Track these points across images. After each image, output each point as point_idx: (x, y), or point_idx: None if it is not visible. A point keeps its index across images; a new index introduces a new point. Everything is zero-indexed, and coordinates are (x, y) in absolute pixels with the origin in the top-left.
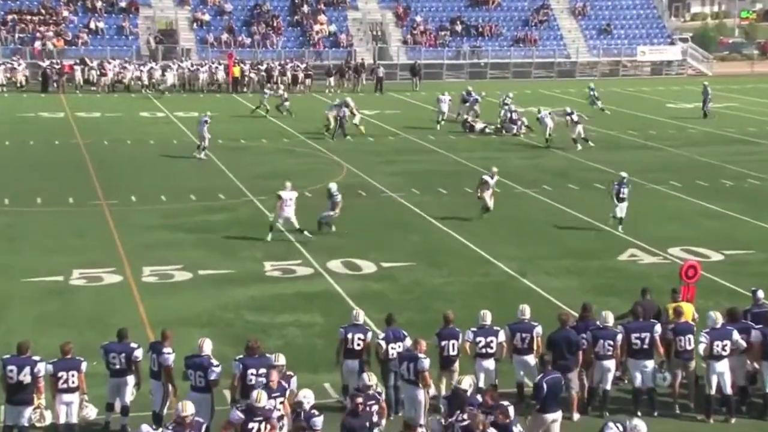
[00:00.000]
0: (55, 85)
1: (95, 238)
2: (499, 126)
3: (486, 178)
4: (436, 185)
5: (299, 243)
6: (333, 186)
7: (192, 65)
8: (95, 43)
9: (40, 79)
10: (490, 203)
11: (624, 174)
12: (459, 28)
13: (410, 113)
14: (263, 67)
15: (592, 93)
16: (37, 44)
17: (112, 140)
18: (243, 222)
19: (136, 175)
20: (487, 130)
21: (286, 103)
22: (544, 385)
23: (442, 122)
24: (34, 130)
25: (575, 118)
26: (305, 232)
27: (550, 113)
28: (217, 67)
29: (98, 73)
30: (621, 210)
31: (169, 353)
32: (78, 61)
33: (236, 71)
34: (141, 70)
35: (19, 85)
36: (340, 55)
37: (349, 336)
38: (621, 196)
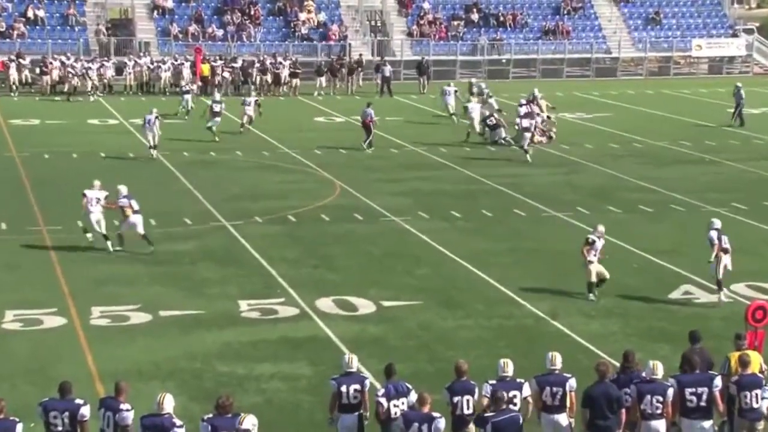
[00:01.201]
0: None
1: (33, 272)
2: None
3: (593, 237)
4: (449, 207)
5: (282, 277)
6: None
7: (152, 62)
8: (33, 35)
9: None
10: (603, 272)
11: (717, 223)
12: (475, 17)
13: (417, 120)
14: (238, 65)
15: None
16: None
17: (55, 153)
18: (213, 252)
19: (73, 195)
20: (502, 142)
21: (248, 108)
22: None
23: (455, 119)
24: None
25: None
26: (109, 243)
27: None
28: (182, 65)
29: (38, 71)
30: (726, 263)
31: (127, 410)
32: (13, 56)
33: (205, 69)
34: (89, 68)
35: None
36: (331, 51)
37: (343, 388)
38: (724, 246)
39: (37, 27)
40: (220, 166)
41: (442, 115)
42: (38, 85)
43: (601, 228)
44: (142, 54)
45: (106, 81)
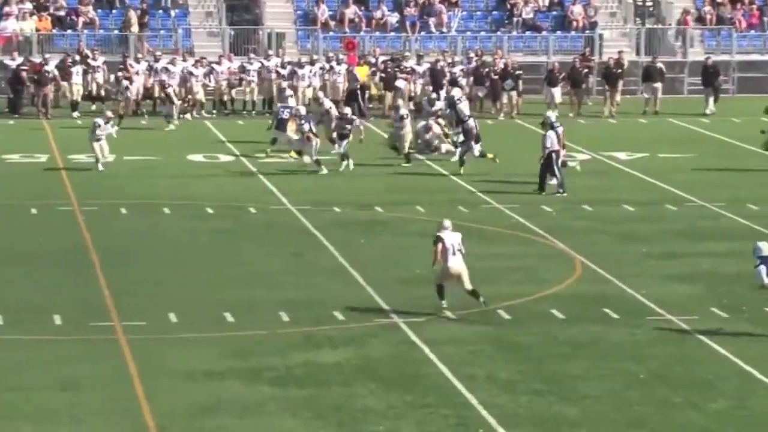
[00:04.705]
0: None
1: (100, 394)
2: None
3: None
4: (763, 303)
5: (487, 409)
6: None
7: (283, 65)
8: (108, 24)
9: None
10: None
11: None
12: None
13: (710, 158)
14: (422, 69)
15: None
16: (10, 24)
17: (136, 206)
18: (378, 367)
19: (168, 273)
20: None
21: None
22: None
23: None
24: None
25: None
26: None
27: None
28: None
29: (115, 79)
30: None
31: None
32: (76, 56)
33: (362, 73)
34: (191, 74)
35: None
36: (571, 46)
37: None
38: None
39: (114, 11)
40: (391, 228)
41: (759, 152)
42: (115, 99)
43: (447, 223)
44: (271, 52)
45: (220, 93)
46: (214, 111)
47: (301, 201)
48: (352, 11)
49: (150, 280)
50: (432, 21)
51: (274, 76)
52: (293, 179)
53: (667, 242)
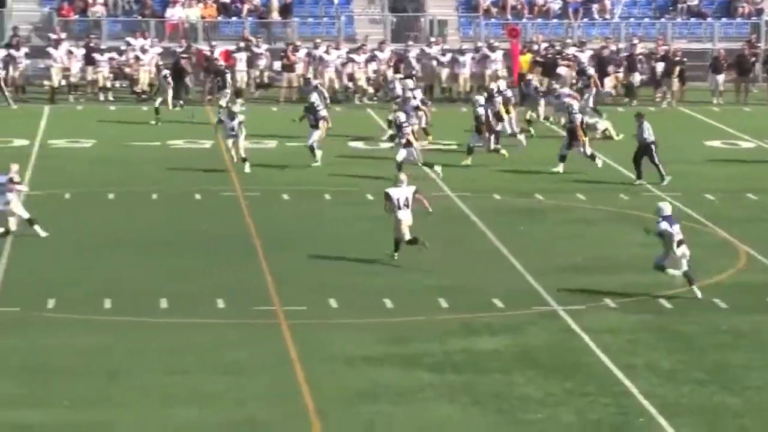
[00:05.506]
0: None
1: (262, 375)
2: None
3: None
4: None
5: (648, 398)
6: None
7: (443, 52)
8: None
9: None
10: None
11: None
12: None
13: None
14: (587, 55)
15: None
16: (176, 12)
17: (296, 192)
18: (537, 355)
19: (329, 259)
20: None
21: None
22: None
23: None
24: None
25: None
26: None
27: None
28: (485, 58)
29: (279, 66)
30: None
31: None
32: (241, 43)
33: (524, 62)
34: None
35: (140, 90)
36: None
37: None
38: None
39: None
40: (551, 215)
41: None
42: (277, 86)
43: (403, 176)
44: (433, 39)
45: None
46: (376, 97)
47: (461, 188)
48: None
49: (311, 265)
50: (595, 7)
51: (434, 63)
52: (454, 167)
53: None
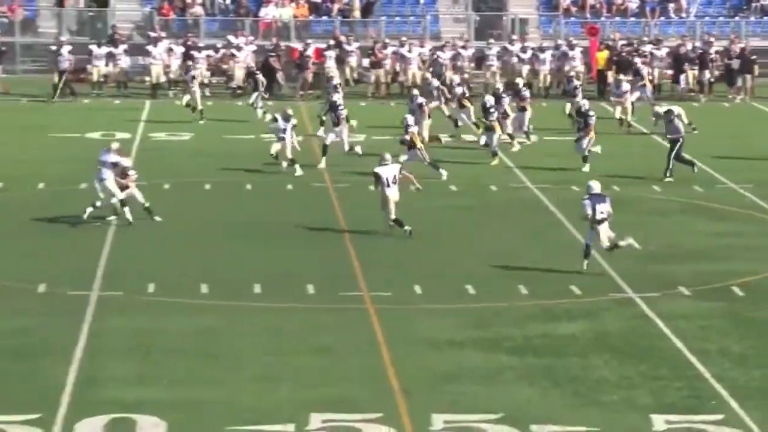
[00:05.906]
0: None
1: (350, 359)
2: None
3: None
4: None
5: (720, 381)
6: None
7: (524, 49)
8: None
9: (256, 74)
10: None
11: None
12: None
13: None
14: (662, 53)
15: None
16: (270, 11)
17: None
18: (613, 339)
19: (414, 247)
20: None
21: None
22: None
23: None
24: (254, 165)
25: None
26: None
27: None
28: (564, 56)
29: (368, 63)
30: None
31: None
32: (332, 41)
33: (601, 59)
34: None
35: (235, 86)
36: None
37: None
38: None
39: None
40: (627, 207)
41: None
42: (366, 82)
43: (387, 156)
44: (515, 37)
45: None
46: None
47: (541, 180)
48: None
49: (397, 253)
50: (671, 6)
51: (515, 60)
52: (533, 159)
53: None
